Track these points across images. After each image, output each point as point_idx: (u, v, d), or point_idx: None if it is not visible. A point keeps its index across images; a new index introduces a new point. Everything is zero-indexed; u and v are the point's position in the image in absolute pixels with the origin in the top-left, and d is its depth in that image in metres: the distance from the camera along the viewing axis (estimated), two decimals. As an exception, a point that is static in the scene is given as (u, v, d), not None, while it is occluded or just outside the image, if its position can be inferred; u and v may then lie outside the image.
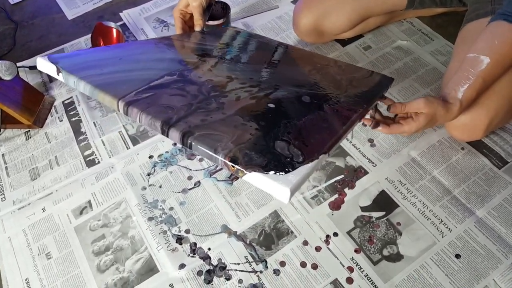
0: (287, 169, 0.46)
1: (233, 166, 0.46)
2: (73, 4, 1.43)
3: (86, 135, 1.00)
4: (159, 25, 1.28)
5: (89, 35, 1.26)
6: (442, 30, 1.11)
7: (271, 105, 0.58)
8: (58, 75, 0.59)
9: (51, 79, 1.16)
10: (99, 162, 0.94)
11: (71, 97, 1.09)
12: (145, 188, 0.87)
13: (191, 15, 0.83)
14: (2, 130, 1.04)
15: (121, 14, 1.35)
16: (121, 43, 0.70)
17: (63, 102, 1.09)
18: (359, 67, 0.76)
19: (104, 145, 0.97)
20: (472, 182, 0.82)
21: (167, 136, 0.51)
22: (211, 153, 0.48)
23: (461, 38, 0.86)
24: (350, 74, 0.72)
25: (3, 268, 0.80)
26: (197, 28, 0.81)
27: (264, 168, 0.46)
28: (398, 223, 0.78)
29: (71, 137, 1.00)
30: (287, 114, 0.57)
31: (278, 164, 0.47)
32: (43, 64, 0.60)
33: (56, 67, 0.59)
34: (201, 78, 0.63)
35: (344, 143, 0.90)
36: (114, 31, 1.12)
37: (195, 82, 0.61)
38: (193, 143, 0.49)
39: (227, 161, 0.46)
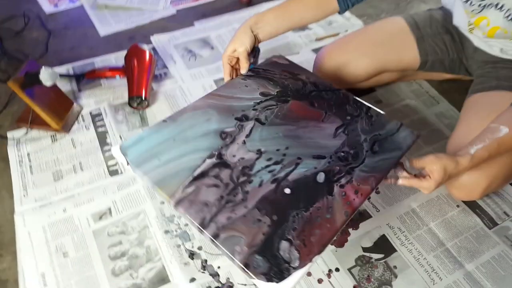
0: (284, 276, 0.56)
1: (245, 271, 0.57)
2: (106, 22, 1.52)
3: (112, 146, 1.06)
4: (187, 54, 1.37)
5: (119, 52, 1.35)
6: (447, 95, 1.22)
7: (287, 191, 0.66)
8: (128, 165, 0.68)
9: (79, 88, 1.23)
10: (122, 173, 1.00)
11: (99, 108, 1.16)
12: (163, 203, 0.93)
13: (238, 59, 0.92)
14: (28, 129, 1.09)
15: (151, 37, 1.44)
16: (177, 112, 0.76)
17: (90, 112, 1.15)
18: (388, 118, 0.80)
19: (127, 157, 1.03)
20: (464, 238, 0.90)
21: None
22: (231, 256, 0.58)
23: (467, 107, 0.96)
24: (376, 131, 0.77)
25: (20, 261, 0.84)
26: (243, 71, 0.90)
27: (266, 276, 0.56)
28: (395, 266, 0.85)
29: (96, 146, 1.06)
30: (299, 201, 0.65)
31: (278, 271, 0.57)
32: (117, 152, 0.69)
33: (126, 159, 0.68)
34: (234, 157, 0.70)
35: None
36: (147, 53, 1.20)
37: (228, 165, 0.69)
38: (219, 246, 0.59)
39: (242, 266, 0.57)
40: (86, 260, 0.84)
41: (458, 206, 0.95)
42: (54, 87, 1.12)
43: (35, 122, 1.09)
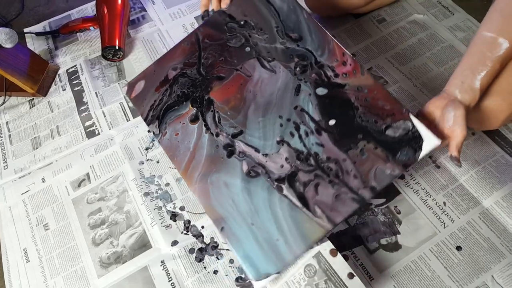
0: (418, 136, 0.61)
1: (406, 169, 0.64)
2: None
3: (88, 105, 0.99)
4: (168, -8, 1.23)
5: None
6: (465, 3, 1.03)
7: (332, 122, 0.66)
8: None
9: (56, 46, 1.14)
10: (99, 134, 0.93)
11: (75, 65, 1.08)
12: (143, 163, 0.86)
13: None
14: (6, 98, 1.03)
15: (130, -22, 1.31)
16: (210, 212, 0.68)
17: (67, 70, 1.07)
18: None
19: (104, 116, 0.96)
20: (482, 168, 0.78)
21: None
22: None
23: (492, 11, 0.77)
24: (269, 10, 0.76)
25: (3, 236, 0.82)
26: (223, 5, 0.77)
27: (419, 151, 0.60)
28: (398, 212, 0.75)
29: (73, 107, 0.99)
30: (346, 110, 0.66)
31: (414, 140, 0.61)
32: (262, 284, 0.63)
33: (272, 276, 0.63)
34: (283, 167, 0.66)
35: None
36: (120, -3, 1.08)
37: (293, 172, 0.66)
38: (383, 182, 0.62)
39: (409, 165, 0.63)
40: (67, 231, 0.80)
41: (473, 133, 0.82)
42: (24, 48, 1.04)
43: (12, 88, 1.03)
